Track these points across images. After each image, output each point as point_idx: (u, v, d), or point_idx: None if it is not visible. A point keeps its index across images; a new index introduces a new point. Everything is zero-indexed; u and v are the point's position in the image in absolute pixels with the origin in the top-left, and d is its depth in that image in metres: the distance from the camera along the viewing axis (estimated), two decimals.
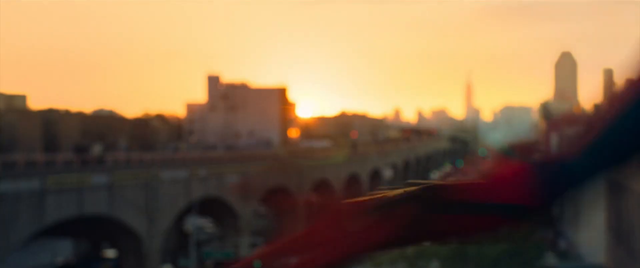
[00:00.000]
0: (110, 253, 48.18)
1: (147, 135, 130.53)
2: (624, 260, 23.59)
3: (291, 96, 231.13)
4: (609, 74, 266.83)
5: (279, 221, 66.93)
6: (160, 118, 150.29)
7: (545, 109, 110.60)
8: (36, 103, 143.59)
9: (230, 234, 54.24)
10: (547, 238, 53.14)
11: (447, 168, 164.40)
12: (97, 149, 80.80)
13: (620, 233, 24.01)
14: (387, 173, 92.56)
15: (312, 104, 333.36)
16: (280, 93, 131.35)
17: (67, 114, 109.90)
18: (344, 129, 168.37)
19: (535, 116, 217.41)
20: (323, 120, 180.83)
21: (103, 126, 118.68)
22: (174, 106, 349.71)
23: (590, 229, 38.72)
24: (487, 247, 27.06)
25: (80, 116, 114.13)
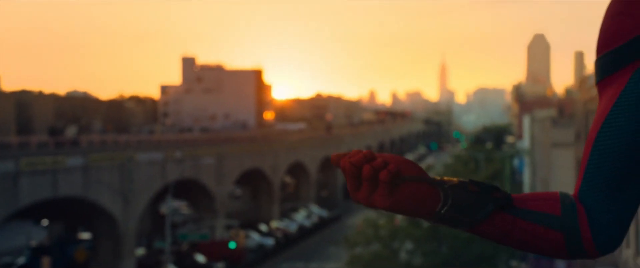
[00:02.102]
0: (85, 235, 48.16)
1: (122, 117, 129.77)
2: None
3: (267, 78, 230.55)
4: (580, 57, 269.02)
5: (254, 202, 67.20)
6: (135, 99, 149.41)
7: (518, 91, 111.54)
8: (9, 84, 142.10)
9: (206, 216, 54.41)
10: None
11: (422, 149, 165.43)
12: (71, 131, 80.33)
13: None
14: None
15: (287, 86, 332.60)
16: (256, 75, 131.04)
17: (40, 95, 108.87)
18: (319, 112, 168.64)
19: (509, 98, 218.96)
20: (298, 102, 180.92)
21: (77, 108, 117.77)
22: (149, 88, 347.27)
23: None
24: None
25: (54, 97, 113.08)
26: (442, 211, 1.38)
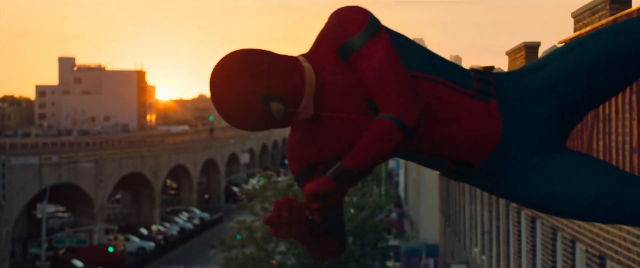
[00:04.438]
0: None
1: None
2: (451, 239, 26.11)
3: (150, 79, 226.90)
4: (457, 61, 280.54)
5: (135, 206, 66.68)
6: (9, 100, 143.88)
7: None
8: None
9: (85, 221, 53.72)
10: (392, 220, 56.33)
11: None
12: None
13: (448, 214, 26.51)
14: (245, 158, 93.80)
15: (171, 87, 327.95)
16: (138, 76, 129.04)
17: None
18: (203, 113, 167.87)
19: None
20: (182, 104, 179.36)
21: None
22: (24, 89, 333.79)
23: (429, 211, 41.77)
24: None
25: None
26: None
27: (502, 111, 1.97)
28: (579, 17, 8.77)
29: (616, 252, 7.48)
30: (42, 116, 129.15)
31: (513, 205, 13.96)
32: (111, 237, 51.21)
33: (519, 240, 13.50)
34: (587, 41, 2.02)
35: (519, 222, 13.43)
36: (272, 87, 1.86)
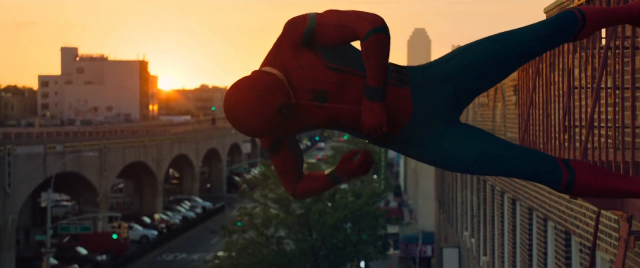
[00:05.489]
0: None
1: None
2: (444, 224, 26.87)
3: (152, 69, 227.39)
4: None
5: (138, 195, 67.50)
6: (12, 90, 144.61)
7: None
8: None
9: (88, 209, 54.54)
10: (393, 208, 57.10)
11: (306, 142, 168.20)
12: None
13: (443, 201, 27.26)
14: (246, 148, 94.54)
15: (173, 77, 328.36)
16: (141, 66, 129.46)
17: None
18: (205, 104, 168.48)
19: None
20: (184, 94, 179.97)
21: None
22: (27, 79, 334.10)
23: (426, 199, 42.53)
24: (328, 215, 29.73)
25: None
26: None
27: (413, 95, 2.69)
28: (549, 13, 9.49)
29: (577, 227, 8.23)
30: (45, 106, 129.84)
31: (497, 188, 14.73)
32: (115, 224, 52.05)
33: (502, 222, 14.27)
34: (478, 45, 2.75)
35: (502, 205, 14.20)
36: (278, 98, 2.52)
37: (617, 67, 3.22)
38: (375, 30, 2.51)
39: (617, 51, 3.36)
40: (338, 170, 2.78)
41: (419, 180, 44.38)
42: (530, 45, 2.74)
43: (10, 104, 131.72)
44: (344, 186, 33.88)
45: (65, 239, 47.93)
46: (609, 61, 3.38)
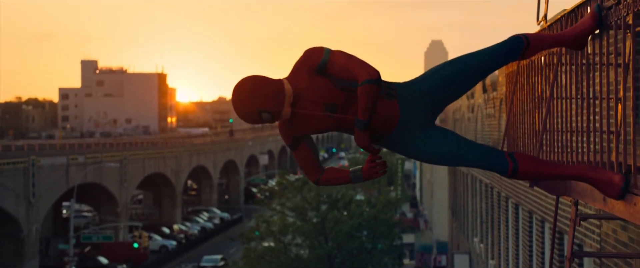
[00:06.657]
0: None
1: (20, 121, 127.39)
2: (457, 232, 27.58)
3: (170, 82, 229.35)
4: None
5: (157, 206, 68.55)
6: (33, 102, 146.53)
7: None
8: None
9: (109, 219, 55.61)
10: (408, 219, 57.71)
11: (322, 153, 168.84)
12: None
13: (455, 209, 27.98)
14: (264, 160, 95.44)
15: (191, 89, 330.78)
16: (159, 79, 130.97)
17: None
18: (223, 116, 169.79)
19: None
20: (201, 106, 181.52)
21: None
22: (48, 91, 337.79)
23: (440, 210, 43.18)
24: (343, 223, 30.54)
25: None
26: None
27: (400, 106, 3.54)
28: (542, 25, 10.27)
29: (568, 226, 9.01)
30: (65, 119, 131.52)
31: (503, 195, 15.52)
32: (136, 233, 53.03)
33: (507, 226, 15.04)
34: (449, 64, 3.60)
35: (507, 210, 14.98)
36: (265, 105, 3.29)
37: (565, 82, 4.06)
38: (370, 81, 3.22)
39: (567, 68, 4.18)
40: (365, 169, 3.48)
41: (434, 191, 45.05)
42: (488, 62, 3.58)
43: (31, 116, 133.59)
44: (359, 196, 34.63)
45: (87, 249, 48.95)
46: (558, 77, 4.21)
